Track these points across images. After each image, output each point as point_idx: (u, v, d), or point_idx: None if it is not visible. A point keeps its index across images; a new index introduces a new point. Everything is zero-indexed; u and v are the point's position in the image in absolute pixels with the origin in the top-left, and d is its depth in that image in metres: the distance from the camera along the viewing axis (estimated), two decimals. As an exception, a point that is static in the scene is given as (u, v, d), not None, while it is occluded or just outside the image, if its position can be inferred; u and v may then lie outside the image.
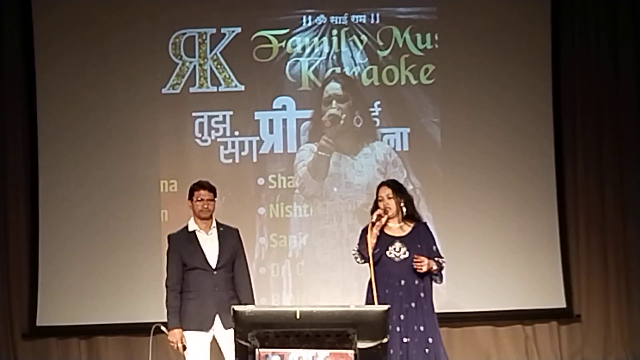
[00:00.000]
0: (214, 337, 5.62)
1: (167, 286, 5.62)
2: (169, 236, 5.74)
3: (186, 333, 5.55)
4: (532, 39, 7.64)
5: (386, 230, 5.66)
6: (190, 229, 5.67)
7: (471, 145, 7.58)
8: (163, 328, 5.58)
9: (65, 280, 7.41)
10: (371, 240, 5.54)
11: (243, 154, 7.58)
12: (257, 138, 7.59)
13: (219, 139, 7.59)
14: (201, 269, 5.56)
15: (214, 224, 5.69)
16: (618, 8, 7.69)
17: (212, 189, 5.69)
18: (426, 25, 7.62)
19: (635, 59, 7.67)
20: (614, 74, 7.68)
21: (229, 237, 5.68)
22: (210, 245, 5.62)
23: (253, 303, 5.62)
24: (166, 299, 5.61)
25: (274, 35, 7.61)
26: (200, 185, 5.68)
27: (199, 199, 5.63)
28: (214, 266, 5.58)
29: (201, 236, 5.64)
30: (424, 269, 5.52)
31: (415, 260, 5.52)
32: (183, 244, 5.62)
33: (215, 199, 5.69)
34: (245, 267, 5.72)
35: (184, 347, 5.54)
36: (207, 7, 7.63)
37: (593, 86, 7.68)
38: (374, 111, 7.61)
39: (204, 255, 5.59)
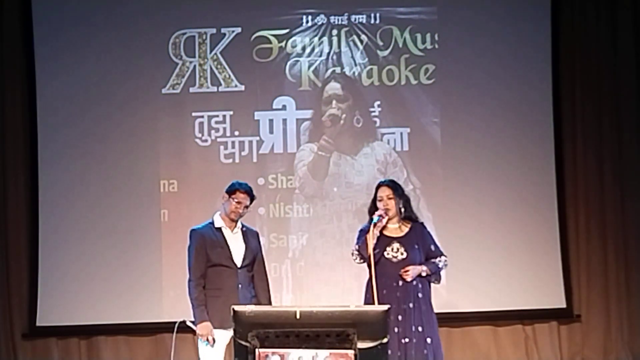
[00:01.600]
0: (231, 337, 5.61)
1: (190, 280, 5.57)
2: (192, 230, 5.67)
3: None
4: (532, 39, 7.64)
5: (384, 231, 5.66)
6: (217, 225, 5.64)
7: (471, 145, 7.58)
8: (189, 323, 5.55)
9: (65, 280, 7.41)
10: (371, 241, 5.55)
11: (243, 154, 7.58)
12: (257, 138, 7.59)
13: (219, 139, 7.59)
14: (225, 266, 5.55)
15: (239, 224, 5.69)
16: (618, 3, 7.70)
17: (252, 198, 5.66)
18: (426, 25, 7.62)
19: (636, 54, 7.68)
20: (614, 74, 7.68)
21: (251, 238, 5.70)
22: (236, 244, 5.62)
23: (270, 304, 5.66)
24: (190, 293, 5.55)
25: (274, 35, 7.62)
26: (244, 188, 5.64)
27: (238, 200, 5.60)
28: (239, 264, 5.58)
29: (227, 233, 5.63)
30: (408, 279, 5.54)
31: (402, 271, 5.54)
32: (210, 240, 5.59)
33: (250, 205, 5.67)
34: (264, 268, 5.75)
35: (214, 340, 5.51)
36: (207, 7, 7.63)
37: (593, 86, 7.69)
38: (374, 111, 7.61)
39: (230, 252, 5.58)
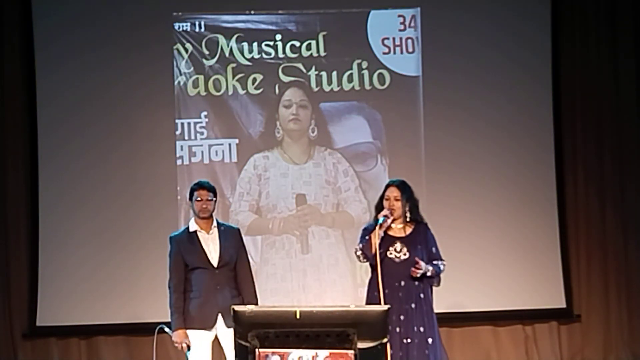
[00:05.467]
0: (216, 336, 5.65)
1: (169, 287, 5.66)
2: (170, 237, 5.78)
3: (189, 332, 5.59)
4: (532, 37, 7.64)
5: (388, 231, 5.67)
6: (191, 229, 5.70)
7: (473, 145, 7.58)
8: (167, 329, 5.62)
9: (65, 280, 7.40)
10: (376, 241, 5.55)
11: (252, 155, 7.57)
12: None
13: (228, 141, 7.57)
14: (203, 268, 5.60)
15: (215, 223, 5.73)
16: (617, 20, 7.69)
17: (212, 189, 5.73)
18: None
19: (636, 72, 7.69)
20: (614, 84, 7.68)
21: (229, 236, 5.72)
22: (211, 245, 5.66)
23: (256, 301, 5.66)
24: (169, 299, 5.64)
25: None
26: (199, 185, 5.73)
27: (198, 198, 5.67)
28: (215, 265, 5.61)
29: (202, 236, 5.67)
30: (419, 273, 5.54)
31: (415, 265, 5.54)
32: (184, 245, 5.66)
33: (215, 198, 5.73)
34: (247, 265, 5.76)
35: (188, 347, 5.56)
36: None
37: (593, 84, 7.70)
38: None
39: (206, 254, 5.63)
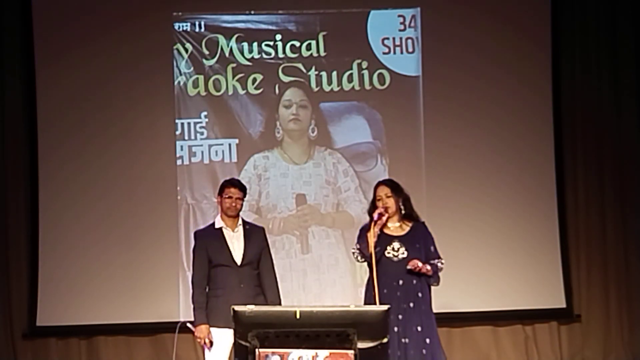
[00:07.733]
0: None
1: (193, 282, 5.68)
2: (195, 233, 5.84)
3: (212, 330, 5.59)
4: (531, 42, 7.65)
5: (385, 230, 5.68)
6: (217, 225, 5.72)
7: (473, 144, 7.58)
8: (189, 325, 5.63)
9: (65, 280, 7.40)
10: (372, 239, 5.56)
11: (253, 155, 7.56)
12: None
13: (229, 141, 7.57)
14: (227, 266, 5.61)
15: (240, 222, 5.74)
16: (617, 20, 7.71)
17: (243, 188, 5.75)
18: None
19: (636, 73, 7.69)
20: (614, 86, 7.69)
21: (254, 235, 5.74)
22: (236, 243, 5.67)
23: (279, 300, 5.70)
24: (192, 295, 5.66)
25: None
26: (231, 183, 5.75)
27: (228, 196, 5.68)
28: (239, 263, 5.63)
29: (228, 233, 5.69)
30: (420, 265, 5.56)
31: (409, 263, 5.55)
32: (209, 241, 5.68)
33: (245, 198, 5.74)
34: (271, 265, 5.78)
35: (211, 343, 5.56)
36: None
37: (593, 82, 7.70)
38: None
39: (230, 252, 5.64)
